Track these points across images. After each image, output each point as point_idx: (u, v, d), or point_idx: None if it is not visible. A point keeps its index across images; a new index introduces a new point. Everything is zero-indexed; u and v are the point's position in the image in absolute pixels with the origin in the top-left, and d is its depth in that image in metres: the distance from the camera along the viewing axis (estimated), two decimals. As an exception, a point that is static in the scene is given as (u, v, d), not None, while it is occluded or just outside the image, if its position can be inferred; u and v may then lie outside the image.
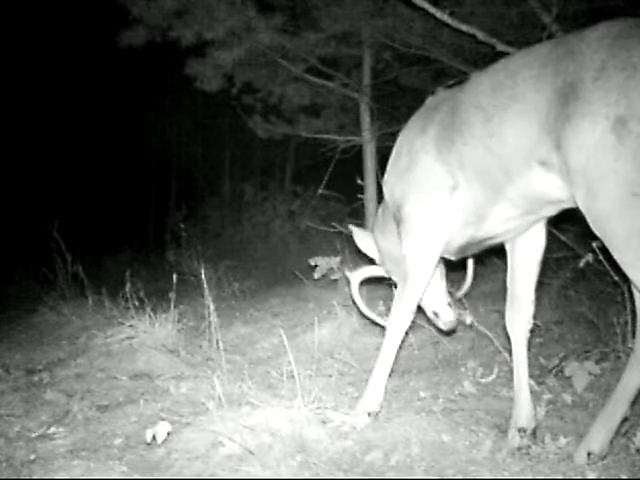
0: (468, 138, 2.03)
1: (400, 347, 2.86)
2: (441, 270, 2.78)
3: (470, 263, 2.86)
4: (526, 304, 2.24)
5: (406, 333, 2.49)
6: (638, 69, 1.55)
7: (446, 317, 2.74)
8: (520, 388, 2.23)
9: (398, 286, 2.42)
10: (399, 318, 2.32)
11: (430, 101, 2.43)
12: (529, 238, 2.24)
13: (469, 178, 2.09)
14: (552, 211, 2.08)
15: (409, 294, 2.31)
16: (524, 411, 2.18)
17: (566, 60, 1.72)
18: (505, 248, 2.34)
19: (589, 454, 1.92)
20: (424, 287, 2.33)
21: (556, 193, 1.88)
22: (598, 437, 1.93)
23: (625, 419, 1.96)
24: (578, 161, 1.65)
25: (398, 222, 2.43)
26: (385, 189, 2.58)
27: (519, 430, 2.13)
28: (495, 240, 2.28)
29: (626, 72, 1.57)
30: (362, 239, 2.99)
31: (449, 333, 3.08)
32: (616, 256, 1.68)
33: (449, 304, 2.77)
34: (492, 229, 2.18)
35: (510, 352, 2.33)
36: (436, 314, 2.78)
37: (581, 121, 1.63)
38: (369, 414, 2.33)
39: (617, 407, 1.91)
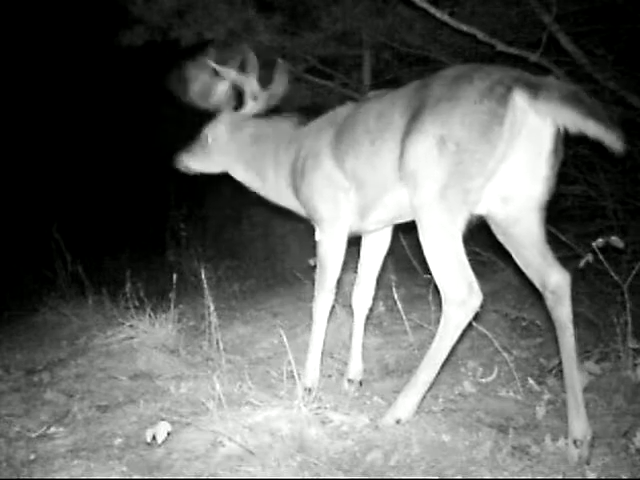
0: (358, 153, 2.43)
1: (400, 347, 2.86)
2: None
3: None
4: (369, 286, 2.85)
5: (405, 332, 2.48)
6: (461, 102, 1.98)
7: None
8: (357, 344, 2.83)
9: (317, 273, 2.73)
10: (322, 299, 2.69)
11: (330, 114, 2.77)
12: (379, 237, 2.82)
13: (357, 186, 2.49)
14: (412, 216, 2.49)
15: (327, 277, 2.67)
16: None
17: (420, 92, 2.18)
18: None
19: (397, 421, 2.18)
20: (339, 268, 2.68)
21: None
22: (404, 403, 2.23)
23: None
24: (412, 166, 2.11)
25: (309, 214, 2.76)
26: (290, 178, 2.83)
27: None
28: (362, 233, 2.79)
29: (452, 103, 2.00)
30: (229, 128, 3.16)
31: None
32: (426, 244, 2.10)
33: None
34: (366, 227, 2.65)
35: (509, 352, 2.34)
36: None
37: (417, 136, 2.08)
38: (306, 389, 2.49)
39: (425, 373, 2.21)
